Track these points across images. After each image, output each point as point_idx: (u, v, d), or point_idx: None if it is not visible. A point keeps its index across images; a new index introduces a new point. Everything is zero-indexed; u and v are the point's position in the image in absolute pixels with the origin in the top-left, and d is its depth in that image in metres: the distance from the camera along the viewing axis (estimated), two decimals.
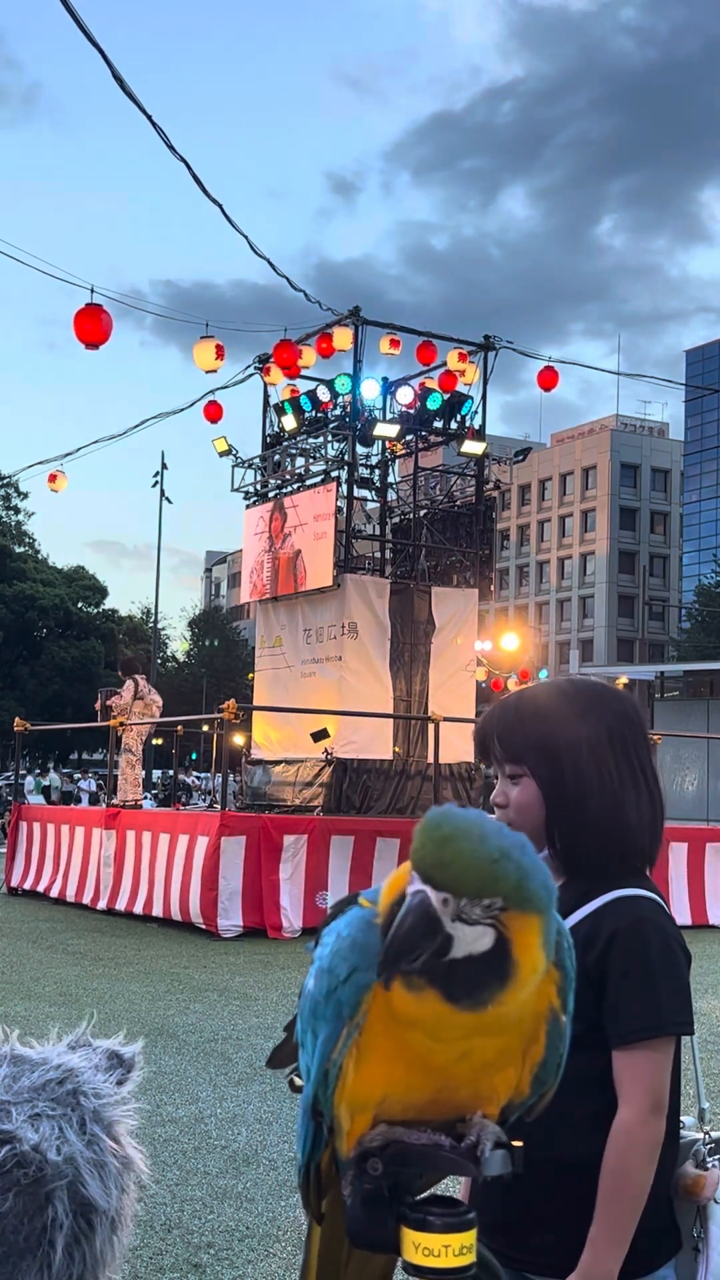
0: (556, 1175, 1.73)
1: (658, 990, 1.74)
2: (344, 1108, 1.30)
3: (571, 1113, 1.71)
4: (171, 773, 28.72)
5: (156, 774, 44.25)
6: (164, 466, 44.36)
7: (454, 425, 19.24)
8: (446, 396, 18.77)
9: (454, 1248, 1.21)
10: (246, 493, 20.30)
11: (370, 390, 18.24)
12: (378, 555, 20.25)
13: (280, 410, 19.47)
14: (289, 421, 19.19)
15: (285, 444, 19.63)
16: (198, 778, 47.21)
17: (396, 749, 18.11)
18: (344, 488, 18.13)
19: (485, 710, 2.03)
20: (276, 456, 19.78)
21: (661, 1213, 1.78)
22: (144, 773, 20.13)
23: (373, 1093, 1.28)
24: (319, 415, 18.98)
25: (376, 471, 20.46)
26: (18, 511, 61.52)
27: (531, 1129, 1.75)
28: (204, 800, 36.32)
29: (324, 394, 18.73)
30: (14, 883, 16.43)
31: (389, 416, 18.52)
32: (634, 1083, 1.71)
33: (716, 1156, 1.86)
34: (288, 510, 18.78)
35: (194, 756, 57.46)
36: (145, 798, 19.65)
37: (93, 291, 12.63)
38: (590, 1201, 1.70)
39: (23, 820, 16.98)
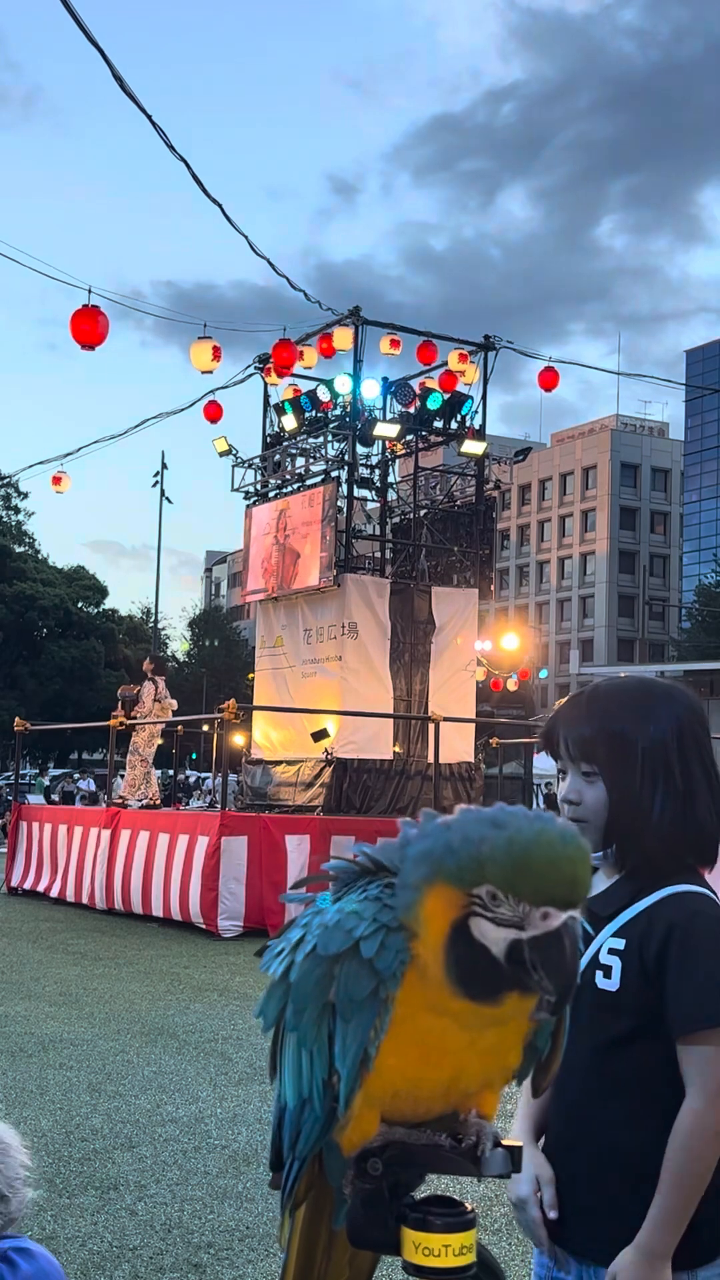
0: (616, 1164, 1.78)
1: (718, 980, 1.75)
2: (359, 1098, 1.23)
3: (633, 1103, 1.79)
4: (171, 772, 28.76)
5: (157, 774, 44.18)
6: (164, 466, 44.48)
7: (454, 425, 19.25)
8: (447, 396, 18.77)
9: (454, 1247, 1.21)
10: (246, 493, 20.31)
11: (370, 390, 18.25)
12: (378, 555, 20.24)
13: (280, 410, 19.46)
14: (289, 421, 19.19)
15: (285, 444, 19.64)
16: (201, 778, 47.16)
17: (396, 749, 18.11)
18: (344, 488, 18.13)
19: (556, 704, 1.99)
20: (276, 456, 19.78)
21: None
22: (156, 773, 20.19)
23: (389, 1084, 1.22)
24: (319, 415, 18.97)
25: (376, 471, 20.46)
26: (18, 511, 61.47)
27: (592, 1119, 1.81)
28: (205, 799, 36.28)
29: (324, 394, 18.74)
30: (14, 883, 16.43)
31: (389, 416, 18.52)
32: (699, 1071, 1.73)
33: None
34: (284, 511, 18.83)
35: (194, 756, 57.46)
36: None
37: (90, 292, 12.65)
38: (647, 1189, 1.73)
39: (23, 820, 16.99)
